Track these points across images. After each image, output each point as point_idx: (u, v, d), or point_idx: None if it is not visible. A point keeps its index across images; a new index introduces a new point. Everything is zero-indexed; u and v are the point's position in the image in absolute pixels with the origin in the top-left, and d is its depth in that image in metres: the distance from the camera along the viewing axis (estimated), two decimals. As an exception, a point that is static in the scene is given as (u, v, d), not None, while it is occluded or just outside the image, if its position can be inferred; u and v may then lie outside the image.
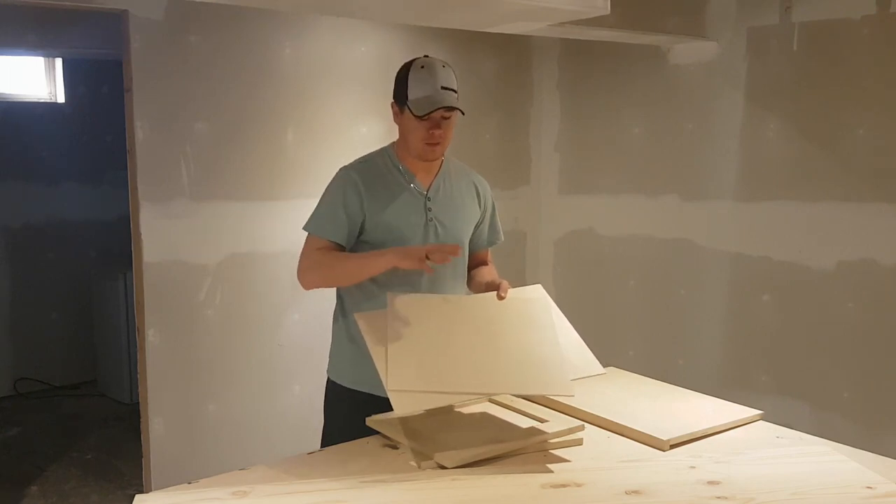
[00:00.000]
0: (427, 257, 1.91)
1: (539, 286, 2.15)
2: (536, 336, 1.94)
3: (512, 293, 2.04)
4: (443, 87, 2.05)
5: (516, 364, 1.87)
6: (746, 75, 3.39)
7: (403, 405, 1.73)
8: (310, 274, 2.11)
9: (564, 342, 1.98)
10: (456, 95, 2.09)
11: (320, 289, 2.20)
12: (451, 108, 2.06)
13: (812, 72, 3.19)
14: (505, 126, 4.14)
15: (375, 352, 1.81)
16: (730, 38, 3.43)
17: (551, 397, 2.10)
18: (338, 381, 2.21)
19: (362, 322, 1.89)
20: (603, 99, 3.99)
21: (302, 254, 2.13)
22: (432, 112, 2.04)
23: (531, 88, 4.23)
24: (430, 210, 2.15)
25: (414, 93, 2.06)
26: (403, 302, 1.93)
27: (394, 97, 2.14)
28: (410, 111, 2.06)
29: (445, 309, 1.98)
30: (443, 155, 2.17)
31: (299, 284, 2.14)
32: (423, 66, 2.08)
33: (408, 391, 1.74)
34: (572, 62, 4.12)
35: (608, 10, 2.32)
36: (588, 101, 4.06)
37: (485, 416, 2.01)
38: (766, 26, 3.30)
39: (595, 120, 4.03)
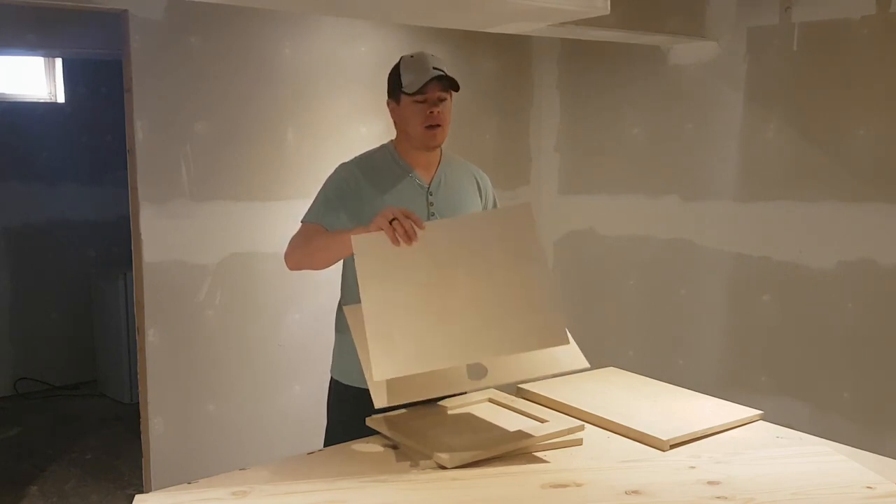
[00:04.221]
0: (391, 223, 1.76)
1: (529, 204, 1.94)
2: (522, 270, 1.80)
3: (495, 213, 2.04)
4: (434, 68, 2.09)
5: (502, 315, 1.76)
6: (746, 75, 3.39)
7: (382, 387, 1.73)
8: (295, 252, 2.09)
9: None
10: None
11: (305, 271, 2.16)
12: (446, 85, 2.09)
13: (812, 72, 3.19)
14: (505, 126, 4.14)
15: (359, 341, 1.81)
16: (730, 38, 3.43)
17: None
18: (341, 381, 2.21)
19: (350, 315, 1.89)
20: (603, 99, 3.98)
21: (292, 237, 2.13)
22: (427, 85, 2.06)
23: (531, 88, 4.23)
24: (431, 204, 2.16)
25: (407, 78, 2.10)
26: (369, 242, 1.76)
27: (388, 95, 2.18)
28: (406, 94, 2.09)
29: (417, 248, 1.77)
30: (443, 141, 2.18)
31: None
32: (412, 57, 2.14)
33: (392, 378, 1.73)
34: (572, 62, 4.12)
35: (608, 10, 2.33)
36: (588, 101, 4.06)
37: (485, 417, 2.01)
38: (766, 26, 3.30)
39: (595, 120, 4.03)
